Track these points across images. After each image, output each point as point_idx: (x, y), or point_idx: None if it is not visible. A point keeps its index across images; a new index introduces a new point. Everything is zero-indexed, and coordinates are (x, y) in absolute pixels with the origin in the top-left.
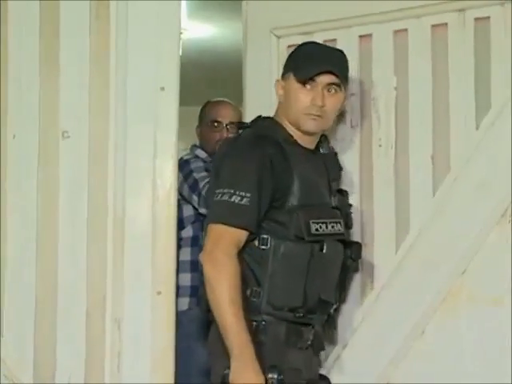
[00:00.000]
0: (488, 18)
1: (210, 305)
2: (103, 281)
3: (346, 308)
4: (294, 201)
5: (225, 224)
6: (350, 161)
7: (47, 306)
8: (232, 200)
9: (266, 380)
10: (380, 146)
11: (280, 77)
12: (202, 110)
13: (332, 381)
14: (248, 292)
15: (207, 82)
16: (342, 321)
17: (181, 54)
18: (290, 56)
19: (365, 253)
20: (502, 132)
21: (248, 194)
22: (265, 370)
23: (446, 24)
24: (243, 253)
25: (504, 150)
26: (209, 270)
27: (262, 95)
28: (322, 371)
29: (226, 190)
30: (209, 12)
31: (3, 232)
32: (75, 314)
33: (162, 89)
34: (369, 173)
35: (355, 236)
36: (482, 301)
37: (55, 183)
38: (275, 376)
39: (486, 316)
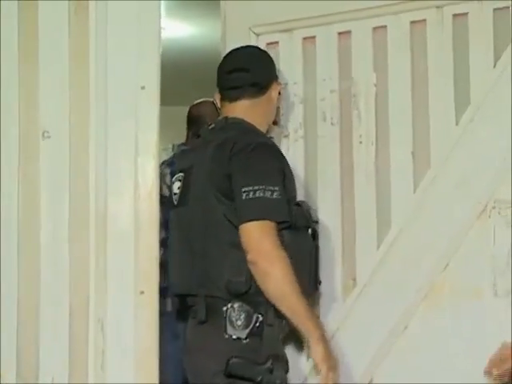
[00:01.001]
0: (466, 14)
1: (268, 295)
2: (86, 280)
3: (328, 305)
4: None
5: (267, 219)
6: (330, 158)
7: (29, 305)
8: (266, 195)
9: None
10: (360, 142)
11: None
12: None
13: (315, 379)
14: None
15: (186, 81)
16: (324, 318)
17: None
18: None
19: (346, 249)
20: (481, 128)
21: (276, 188)
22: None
23: (425, 20)
24: None
25: (483, 146)
26: (267, 266)
27: None
28: (305, 369)
29: (256, 187)
30: (187, 11)
31: None
32: (58, 314)
33: (143, 88)
34: (349, 169)
35: (336, 232)
36: (464, 295)
37: (36, 183)
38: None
39: (468, 310)
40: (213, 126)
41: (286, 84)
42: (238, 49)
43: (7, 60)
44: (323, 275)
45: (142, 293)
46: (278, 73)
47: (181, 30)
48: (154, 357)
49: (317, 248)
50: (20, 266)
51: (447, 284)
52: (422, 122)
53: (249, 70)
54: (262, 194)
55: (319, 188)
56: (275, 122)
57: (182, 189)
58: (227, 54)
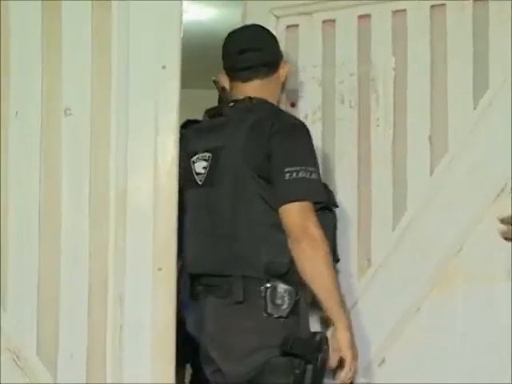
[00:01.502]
0: None
1: (308, 277)
2: (105, 256)
3: (343, 285)
4: None
5: (309, 200)
6: (348, 140)
7: (49, 281)
8: (307, 176)
9: None
10: (378, 125)
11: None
12: None
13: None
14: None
15: (207, 64)
16: None
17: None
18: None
19: (362, 230)
20: (499, 112)
21: (315, 169)
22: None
23: (445, 5)
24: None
25: (502, 130)
26: (310, 246)
27: None
28: None
29: (298, 168)
30: None
31: (5, 208)
32: (77, 290)
33: (164, 67)
34: (367, 152)
35: (352, 216)
36: (477, 279)
37: (57, 160)
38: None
39: (481, 294)
40: (233, 104)
41: (305, 67)
42: (244, 28)
43: (31, 39)
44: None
45: (160, 269)
46: (295, 55)
47: (203, 13)
48: (171, 331)
49: (335, 228)
50: (41, 241)
51: (461, 268)
52: (440, 106)
53: (261, 50)
54: (304, 175)
55: (336, 170)
56: (293, 104)
57: (210, 169)
58: (232, 34)
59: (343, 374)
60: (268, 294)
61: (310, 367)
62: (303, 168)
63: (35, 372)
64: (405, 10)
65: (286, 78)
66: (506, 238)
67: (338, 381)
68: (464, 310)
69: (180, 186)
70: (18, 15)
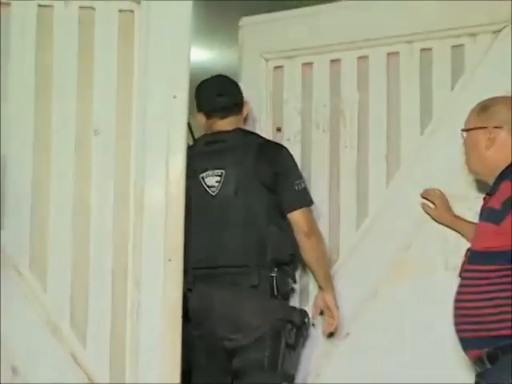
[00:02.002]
0: (431, 49)
1: (314, 262)
2: (125, 248)
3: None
4: None
5: (311, 205)
6: (322, 158)
7: (80, 266)
8: (306, 186)
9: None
10: (346, 147)
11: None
12: None
13: None
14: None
15: None
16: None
17: None
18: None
19: (332, 231)
20: (441, 138)
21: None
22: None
23: (398, 53)
24: (281, 221)
25: (442, 152)
26: (316, 241)
27: (254, 108)
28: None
29: (301, 180)
30: (207, 40)
31: (46, 207)
32: (103, 274)
33: (175, 97)
34: (336, 168)
35: (324, 219)
36: (423, 269)
37: (88, 170)
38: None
39: (425, 282)
40: (228, 134)
41: (288, 99)
42: (215, 77)
43: (67, 71)
44: None
45: (170, 260)
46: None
47: (202, 55)
48: (178, 311)
49: None
50: (74, 232)
51: (410, 260)
52: (394, 132)
53: (233, 93)
54: (303, 186)
55: (312, 182)
56: (279, 129)
57: (224, 182)
58: (207, 82)
59: (332, 323)
60: (275, 280)
61: (295, 330)
62: (302, 181)
63: (69, 341)
64: (367, 56)
65: (247, 114)
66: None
67: (328, 330)
68: (411, 295)
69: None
70: (60, 47)
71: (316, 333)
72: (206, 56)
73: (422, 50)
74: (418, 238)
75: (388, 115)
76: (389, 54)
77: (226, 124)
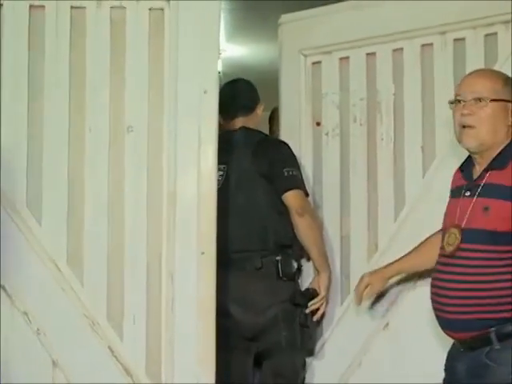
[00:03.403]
0: (464, 38)
1: (308, 240)
2: (159, 242)
3: (353, 265)
4: None
5: (302, 189)
6: (359, 151)
7: (117, 260)
8: (297, 174)
9: None
10: (382, 139)
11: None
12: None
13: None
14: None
15: None
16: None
17: (222, 68)
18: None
19: (371, 222)
20: None
21: (298, 170)
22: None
23: (432, 44)
24: (281, 207)
25: None
26: (310, 218)
27: (293, 103)
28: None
29: (291, 168)
30: (246, 37)
31: (81, 204)
32: (138, 269)
33: (205, 92)
34: (373, 160)
35: (363, 210)
36: None
37: (122, 166)
38: None
39: None
40: (234, 133)
41: (326, 94)
42: (232, 82)
43: (101, 70)
44: (353, 241)
45: (203, 253)
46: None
47: (238, 51)
48: (212, 303)
49: None
50: (109, 230)
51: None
52: (429, 123)
53: (241, 97)
54: (295, 173)
55: (351, 174)
56: (318, 123)
57: (226, 176)
58: (225, 86)
59: (316, 301)
60: (280, 263)
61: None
62: (293, 169)
63: (106, 334)
64: (402, 49)
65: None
66: None
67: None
68: None
69: None
70: (92, 47)
71: (356, 323)
72: (242, 52)
73: (456, 40)
74: None
75: (423, 106)
76: (423, 46)
77: (234, 124)
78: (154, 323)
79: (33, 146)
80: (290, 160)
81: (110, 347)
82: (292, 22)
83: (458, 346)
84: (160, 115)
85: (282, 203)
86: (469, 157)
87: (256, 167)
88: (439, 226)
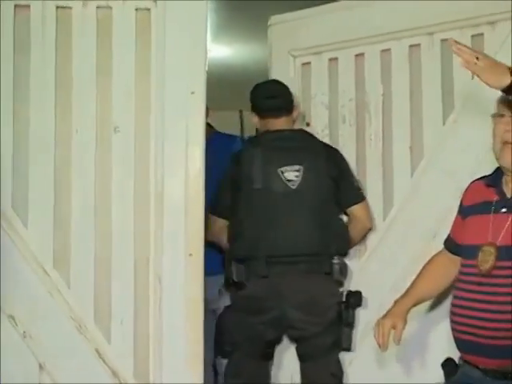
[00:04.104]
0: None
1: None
2: (147, 244)
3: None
4: None
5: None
6: (348, 151)
7: (104, 262)
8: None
9: None
10: (371, 139)
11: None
12: None
13: None
14: None
15: (229, 90)
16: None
17: (207, 68)
18: None
19: None
20: (463, 127)
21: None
22: None
23: (420, 44)
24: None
25: (463, 142)
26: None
27: None
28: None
29: (357, 179)
30: (226, 36)
31: (68, 205)
32: (125, 270)
33: (193, 93)
34: (362, 160)
35: None
36: None
37: (109, 167)
38: None
39: None
40: (289, 133)
41: (316, 94)
42: (270, 81)
43: (88, 72)
44: None
45: (191, 255)
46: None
47: (221, 51)
48: (200, 304)
49: None
50: (97, 231)
51: (436, 249)
52: (417, 123)
53: (284, 96)
54: (360, 185)
55: None
56: (308, 124)
57: (303, 177)
58: (262, 85)
59: None
60: (337, 266)
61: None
62: (357, 181)
63: (93, 337)
64: (390, 49)
65: (296, 116)
66: None
67: None
68: None
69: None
70: (78, 47)
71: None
72: (227, 52)
73: (443, 40)
74: (444, 226)
75: (411, 106)
76: (410, 46)
77: (280, 123)
78: (142, 325)
79: (19, 147)
80: (352, 171)
81: (97, 350)
82: (281, 23)
83: (480, 373)
84: (147, 116)
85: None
86: (495, 172)
87: (328, 172)
88: (427, 225)
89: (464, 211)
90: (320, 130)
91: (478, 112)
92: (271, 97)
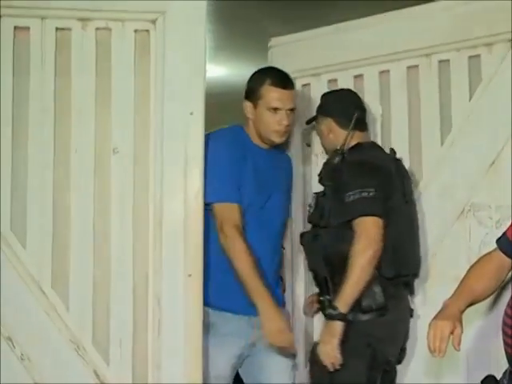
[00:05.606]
0: (448, 60)
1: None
2: (146, 265)
3: None
4: None
5: None
6: None
7: (103, 285)
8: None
9: None
10: None
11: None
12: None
13: None
14: None
15: (227, 111)
16: None
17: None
18: None
19: None
20: (461, 148)
21: None
22: None
23: (418, 66)
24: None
25: (462, 162)
26: None
27: None
28: None
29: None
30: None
31: (67, 227)
32: (124, 291)
33: (192, 113)
34: None
35: None
36: (446, 277)
37: (108, 189)
38: None
39: (449, 290)
40: (380, 150)
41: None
42: (348, 90)
43: (87, 93)
44: None
45: (190, 275)
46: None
47: (221, 71)
48: (199, 326)
49: None
50: (95, 253)
51: (434, 267)
52: (416, 143)
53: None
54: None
55: None
56: (308, 144)
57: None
58: (343, 95)
59: None
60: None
61: None
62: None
63: (92, 358)
64: (388, 71)
65: None
66: None
67: None
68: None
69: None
70: (78, 68)
71: None
72: (222, 72)
73: (440, 61)
74: (442, 247)
75: (409, 126)
76: (408, 68)
77: (364, 136)
78: (141, 347)
79: (18, 168)
80: None
81: (95, 371)
82: (281, 45)
83: None
84: (146, 137)
85: None
86: None
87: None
88: (427, 244)
89: None
90: (320, 151)
91: (475, 133)
92: (360, 108)
